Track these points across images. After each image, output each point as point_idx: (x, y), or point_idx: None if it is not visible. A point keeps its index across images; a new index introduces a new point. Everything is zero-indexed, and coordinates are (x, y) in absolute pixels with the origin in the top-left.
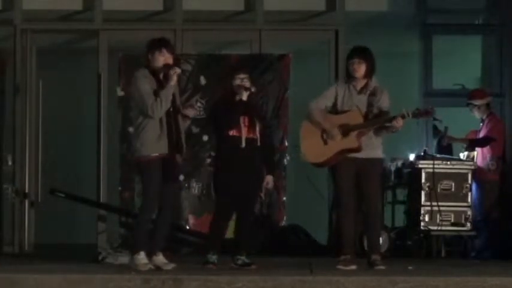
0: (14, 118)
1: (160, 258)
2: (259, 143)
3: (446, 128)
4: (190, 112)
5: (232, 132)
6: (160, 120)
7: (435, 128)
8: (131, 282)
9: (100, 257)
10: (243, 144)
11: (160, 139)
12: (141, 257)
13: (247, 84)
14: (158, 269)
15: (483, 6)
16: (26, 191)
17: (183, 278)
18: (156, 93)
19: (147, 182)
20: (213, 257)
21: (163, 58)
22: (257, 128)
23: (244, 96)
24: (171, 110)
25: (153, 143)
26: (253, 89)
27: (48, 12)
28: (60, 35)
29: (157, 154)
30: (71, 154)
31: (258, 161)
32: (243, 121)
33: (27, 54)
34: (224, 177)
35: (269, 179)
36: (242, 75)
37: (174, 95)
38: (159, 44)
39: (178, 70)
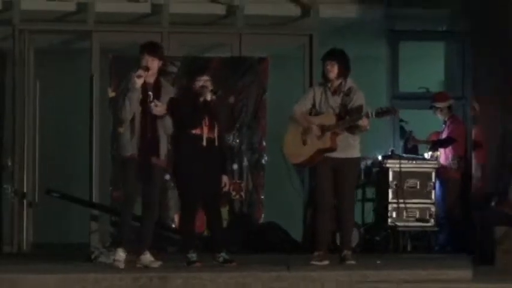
0: (14, 118)
1: (147, 257)
2: (216, 143)
3: (411, 131)
4: (154, 110)
5: (195, 131)
6: (133, 122)
7: (402, 129)
8: (122, 281)
9: (93, 256)
10: (205, 143)
11: (132, 140)
12: (119, 254)
13: (210, 86)
14: (146, 267)
15: (447, 15)
16: (24, 190)
17: (168, 275)
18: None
19: (123, 181)
20: (194, 255)
21: (145, 61)
22: (215, 129)
23: (209, 97)
24: (147, 112)
25: (126, 144)
26: (219, 92)
27: (44, 13)
28: (56, 35)
29: (129, 154)
30: (68, 154)
31: (217, 160)
32: (204, 121)
33: (26, 55)
34: (186, 174)
35: (225, 179)
36: (205, 77)
37: (152, 98)
38: (143, 48)
39: (140, 73)
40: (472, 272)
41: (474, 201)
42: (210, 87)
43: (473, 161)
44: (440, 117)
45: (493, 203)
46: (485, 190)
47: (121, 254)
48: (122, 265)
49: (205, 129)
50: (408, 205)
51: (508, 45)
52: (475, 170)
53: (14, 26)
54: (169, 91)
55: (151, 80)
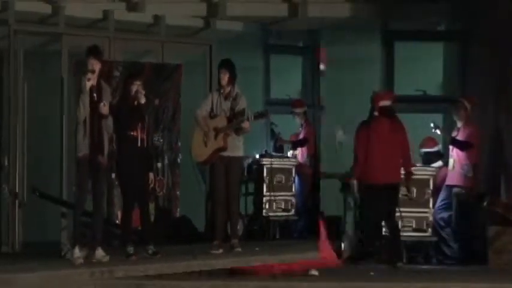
0: (10, 118)
1: (99, 252)
2: (146, 144)
3: (279, 132)
4: (102, 109)
5: (132, 133)
6: (84, 123)
7: (272, 131)
8: (82, 275)
9: (63, 253)
10: (139, 143)
11: (84, 140)
12: (75, 251)
13: (142, 90)
14: (99, 262)
15: (308, 31)
16: (17, 190)
17: (114, 269)
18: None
19: (76, 179)
20: (131, 249)
21: (90, 64)
22: (145, 130)
23: (142, 100)
24: (95, 113)
25: (79, 144)
26: (151, 96)
27: (32, 15)
28: (40, 37)
29: (81, 154)
30: (50, 154)
31: (147, 159)
32: (138, 123)
33: (18, 55)
34: (126, 174)
35: (151, 176)
36: (138, 82)
37: (96, 100)
38: (88, 51)
39: (89, 76)
40: (318, 254)
41: (467, 200)
42: (143, 91)
43: (467, 161)
44: (297, 120)
45: (485, 203)
46: (478, 190)
47: (76, 251)
48: (81, 261)
49: (139, 131)
50: (277, 198)
51: (504, 46)
52: (467, 170)
53: (9, 26)
54: (108, 92)
55: (94, 82)
